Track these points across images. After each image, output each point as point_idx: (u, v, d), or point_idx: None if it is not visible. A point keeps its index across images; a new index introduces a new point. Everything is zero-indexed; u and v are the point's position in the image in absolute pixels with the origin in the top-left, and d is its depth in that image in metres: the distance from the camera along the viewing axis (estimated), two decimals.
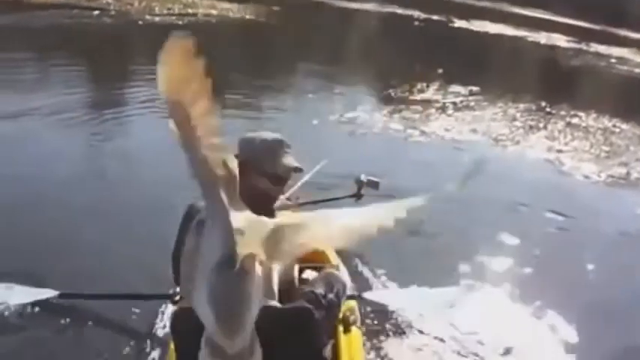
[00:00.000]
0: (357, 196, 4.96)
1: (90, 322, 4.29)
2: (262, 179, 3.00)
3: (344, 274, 3.46)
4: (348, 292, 3.44)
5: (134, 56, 14.27)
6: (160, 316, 4.36)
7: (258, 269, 2.21)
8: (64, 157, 7.25)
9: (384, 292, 4.85)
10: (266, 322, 2.57)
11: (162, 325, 4.26)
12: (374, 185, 4.74)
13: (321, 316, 2.93)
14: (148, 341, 4.17)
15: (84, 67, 12.50)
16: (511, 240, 6.58)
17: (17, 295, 4.15)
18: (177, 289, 3.77)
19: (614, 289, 5.96)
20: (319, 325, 2.88)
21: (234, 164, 2.61)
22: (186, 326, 2.64)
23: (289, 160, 3.06)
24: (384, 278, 5.23)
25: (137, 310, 4.38)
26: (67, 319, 4.26)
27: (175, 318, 2.84)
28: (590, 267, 6.33)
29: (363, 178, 4.89)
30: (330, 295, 3.08)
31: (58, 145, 7.64)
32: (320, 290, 3.06)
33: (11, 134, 7.64)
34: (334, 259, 3.98)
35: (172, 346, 3.12)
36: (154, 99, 9.40)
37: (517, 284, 5.61)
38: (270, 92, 12.16)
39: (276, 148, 3.05)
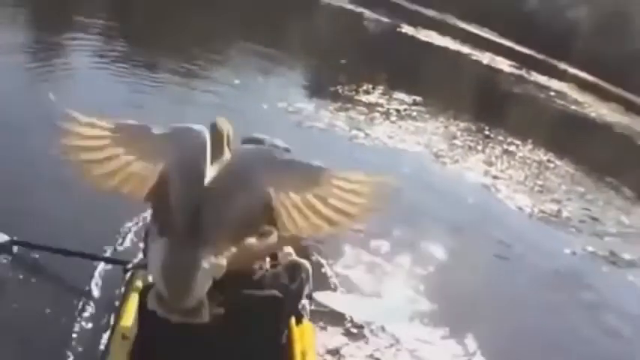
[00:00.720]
0: None
1: (36, 274, 4.26)
2: None
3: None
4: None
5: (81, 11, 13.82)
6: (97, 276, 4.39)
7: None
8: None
9: (333, 295, 4.97)
10: (236, 305, 2.68)
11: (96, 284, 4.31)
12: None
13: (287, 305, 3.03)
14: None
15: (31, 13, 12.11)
16: (444, 257, 6.63)
17: None
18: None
19: (537, 321, 6.09)
20: (285, 315, 3.02)
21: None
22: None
23: None
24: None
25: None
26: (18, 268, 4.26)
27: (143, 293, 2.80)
28: (517, 298, 6.50)
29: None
30: (294, 285, 3.14)
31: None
32: (284, 280, 3.11)
33: None
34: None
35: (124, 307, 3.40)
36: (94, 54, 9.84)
37: (446, 303, 5.58)
38: (221, 67, 12.02)
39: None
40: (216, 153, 2.63)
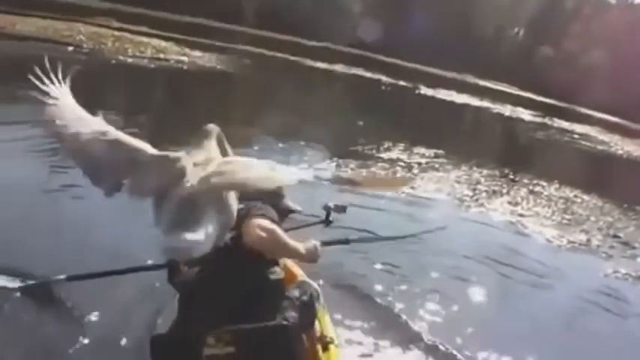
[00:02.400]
0: (327, 223, 4.95)
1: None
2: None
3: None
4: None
5: (103, 93, 14.22)
6: None
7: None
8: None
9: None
10: (242, 344, 2.70)
11: None
12: (341, 210, 4.75)
13: (296, 326, 3.07)
14: None
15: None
16: (481, 294, 6.70)
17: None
18: None
19: (581, 344, 6.15)
20: (295, 339, 3.02)
21: None
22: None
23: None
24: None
25: None
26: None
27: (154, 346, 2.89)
28: (559, 323, 6.51)
29: (331, 204, 4.89)
30: (304, 297, 3.30)
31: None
32: (295, 293, 3.25)
33: None
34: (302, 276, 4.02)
35: None
36: None
37: (484, 336, 5.62)
38: (239, 140, 12.18)
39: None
40: (223, 152, 3.15)
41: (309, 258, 3.39)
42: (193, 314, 2.96)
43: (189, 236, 2.53)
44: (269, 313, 3.01)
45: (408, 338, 5.24)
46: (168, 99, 15.30)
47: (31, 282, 4.40)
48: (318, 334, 3.65)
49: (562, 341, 6.14)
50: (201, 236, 2.58)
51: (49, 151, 7.88)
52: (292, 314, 3.10)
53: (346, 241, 4.73)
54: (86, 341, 4.15)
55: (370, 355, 4.83)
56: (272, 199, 3.65)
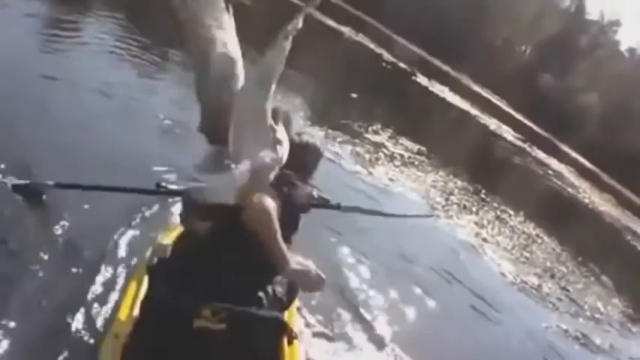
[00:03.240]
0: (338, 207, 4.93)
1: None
2: None
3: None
4: None
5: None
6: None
7: None
8: None
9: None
10: (235, 324, 2.78)
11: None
12: (324, 201, 4.71)
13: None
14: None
15: None
16: (426, 305, 6.75)
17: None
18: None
19: None
20: (284, 334, 3.03)
21: None
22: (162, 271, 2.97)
23: None
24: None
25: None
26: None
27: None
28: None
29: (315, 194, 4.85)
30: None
31: None
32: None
33: None
34: None
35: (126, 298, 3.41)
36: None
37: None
38: None
39: None
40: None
41: (302, 279, 3.29)
42: (192, 279, 2.90)
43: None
44: (263, 290, 3.01)
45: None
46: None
47: (23, 182, 4.42)
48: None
49: None
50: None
51: None
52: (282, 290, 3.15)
53: (337, 207, 4.81)
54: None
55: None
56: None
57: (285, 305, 3.22)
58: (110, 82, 7.84)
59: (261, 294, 2.97)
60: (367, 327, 5.52)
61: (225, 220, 3.01)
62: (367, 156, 11.43)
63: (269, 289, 3.05)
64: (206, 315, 2.74)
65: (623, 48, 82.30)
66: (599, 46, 77.66)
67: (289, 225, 3.34)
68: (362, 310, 5.74)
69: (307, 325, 4.83)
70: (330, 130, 11.52)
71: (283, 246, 3.09)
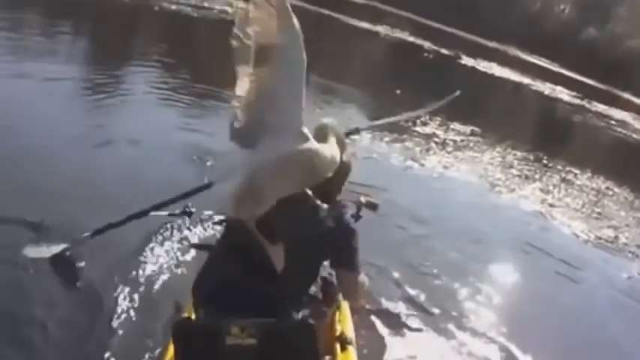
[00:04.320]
0: (356, 218, 4.95)
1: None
2: None
3: None
4: None
5: (142, 38, 14.38)
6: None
7: None
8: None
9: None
10: (264, 337, 2.81)
11: None
12: (373, 207, 4.74)
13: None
14: None
15: (89, 41, 12.62)
16: (509, 276, 6.96)
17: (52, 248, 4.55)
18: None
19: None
20: (317, 338, 2.94)
21: None
22: (189, 337, 2.90)
23: None
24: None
25: None
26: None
27: (177, 328, 2.93)
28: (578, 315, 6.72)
29: (362, 199, 4.89)
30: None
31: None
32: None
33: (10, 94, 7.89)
34: None
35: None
36: (152, 82, 10.29)
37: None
38: None
39: None
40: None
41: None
42: (222, 301, 2.97)
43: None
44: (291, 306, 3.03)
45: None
46: (210, 50, 15.31)
47: (64, 245, 4.57)
48: (337, 332, 3.66)
49: (584, 336, 6.29)
50: None
51: None
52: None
53: (357, 131, 4.97)
54: None
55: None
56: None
57: (322, 305, 3.32)
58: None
59: (285, 303, 3.00)
60: (449, 317, 5.58)
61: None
62: (417, 149, 11.37)
63: (296, 296, 3.11)
64: (235, 332, 2.80)
65: None
66: None
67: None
68: (441, 300, 5.79)
69: (371, 327, 4.92)
70: (376, 132, 11.56)
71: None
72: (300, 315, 3.00)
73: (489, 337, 5.43)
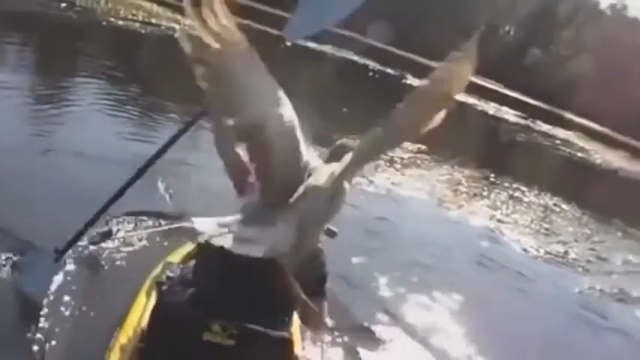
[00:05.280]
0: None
1: None
2: None
3: None
4: None
5: (89, 52, 14.21)
6: None
7: None
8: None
9: None
10: (243, 341, 2.80)
11: None
12: (331, 234, 4.57)
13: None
14: None
15: (37, 53, 12.45)
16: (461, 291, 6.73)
17: None
18: None
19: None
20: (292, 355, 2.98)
21: None
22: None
23: None
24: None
25: None
26: None
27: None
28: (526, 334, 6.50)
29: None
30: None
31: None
32: None
33: None
34: None
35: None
36: (98, 95, 10.18)
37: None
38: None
39: None
40: None
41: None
42: (204, 295, 2.93)
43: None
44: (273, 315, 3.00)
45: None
46: (157, 65, 15.13)
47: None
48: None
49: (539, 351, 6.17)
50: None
51: None
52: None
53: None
54: None
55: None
56: None
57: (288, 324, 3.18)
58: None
59: (271, 314, 2.96)
60: (404, 327, 5.53)
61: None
62: (365, 166, 11.27)
63: (279, 309, 3.04)
64: (216, 330, 2.77)
65: (603, 6, 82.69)
66: (580, 10, 77.85)
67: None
68: (396, 311, 5.76)
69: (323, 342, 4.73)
70: (322, 149, 11.41)
71: None
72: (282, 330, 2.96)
73: (441, 349, 5.35)
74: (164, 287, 3.01)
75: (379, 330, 5.26)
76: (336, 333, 4.94)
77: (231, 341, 2.76)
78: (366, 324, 5.27)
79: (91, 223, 4.25)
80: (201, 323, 2.78)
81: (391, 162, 12.26)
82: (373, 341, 5.05)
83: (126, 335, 3.27)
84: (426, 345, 5.33)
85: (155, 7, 24.93)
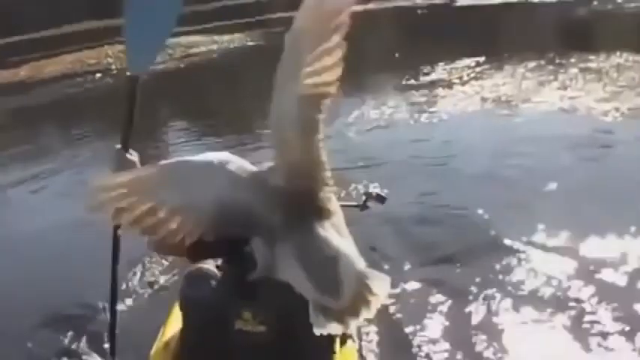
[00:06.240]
0: (362, 207, 4.75)
1: None
2: None
3: None
4: None
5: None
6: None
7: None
8: None
9: None
10: (274, 325, 2.75)
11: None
12: (381, 200, 4.55)
13: None
14: None
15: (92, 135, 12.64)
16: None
17: None
18: None
19: None
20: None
21: None
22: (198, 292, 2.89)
23: None
24: None
25: None
26: None
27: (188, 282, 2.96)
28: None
29: (373, 191, 4.72)
30: None
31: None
32: None
33: None
34: None
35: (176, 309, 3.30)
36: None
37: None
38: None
39: None
40: None
41: None
42: (236, 287, 2.84)
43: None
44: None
45: None
46: (213, 96, 15.29)
47: None
48: None
49: None
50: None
51: None
52: None
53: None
54: None
55: None
56: None
57: None
58: None
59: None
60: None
61: None
62: (423, 100, 11.39)
63: None
64: (247, 317, 2.75)
65: None
66: None
67: None
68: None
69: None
70: (379, 99, 11.40)
71: None
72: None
73: None
74: (191, 278, 2.99)
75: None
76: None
77: (262, 327, 2.73)
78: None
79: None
80: (231, 312, 2.77)
81: (449, 86, 12.22)
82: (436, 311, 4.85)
83: (168, 334, 3.37)
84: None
85: (191, 38, 24.91)
